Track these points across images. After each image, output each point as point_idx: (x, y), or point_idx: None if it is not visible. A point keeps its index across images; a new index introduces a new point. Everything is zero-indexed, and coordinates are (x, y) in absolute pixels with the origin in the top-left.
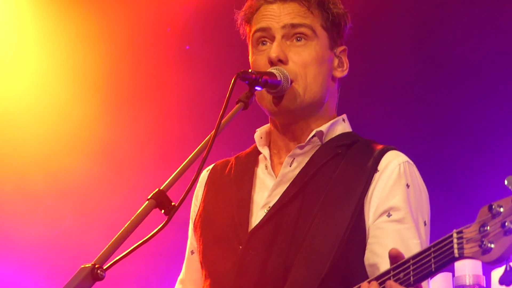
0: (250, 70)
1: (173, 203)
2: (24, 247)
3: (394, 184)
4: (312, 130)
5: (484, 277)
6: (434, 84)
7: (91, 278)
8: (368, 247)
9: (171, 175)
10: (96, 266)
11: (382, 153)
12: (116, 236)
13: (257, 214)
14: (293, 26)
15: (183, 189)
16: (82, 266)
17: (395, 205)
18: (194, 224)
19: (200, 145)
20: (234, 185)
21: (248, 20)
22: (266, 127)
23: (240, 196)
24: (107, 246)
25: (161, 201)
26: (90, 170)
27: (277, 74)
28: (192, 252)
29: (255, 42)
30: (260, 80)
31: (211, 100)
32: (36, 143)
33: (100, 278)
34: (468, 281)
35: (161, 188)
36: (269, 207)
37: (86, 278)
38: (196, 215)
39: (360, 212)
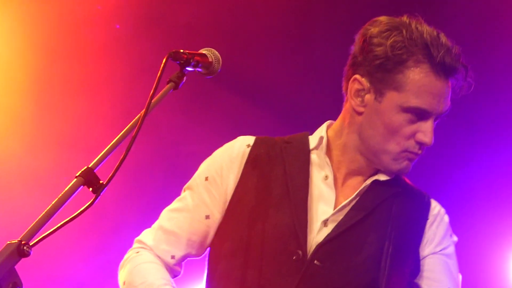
0: (181, 51)
1: (101, 181)
2: None
3: (444, 231)
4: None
5: None
6: None
7: (17, 254)
8: (421, 274)
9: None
10: (23, 242)
11: (428, 201)
12: (43, 213)
13: (316, 225)
14: (445, 112)
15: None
16: (8, 242)
17: (446, 245)
18: (232, 198)
19: (130, 123)
20: (290, 182)
21: (398, 64)
22: (328, 134)
23: (297, 201)
24: (33, 223)
25: (89, 179)
26: (25, 159)
27: (208, 56)
28: (207, 217)
29: (405, 107)
30: (191, 61)
31: (143, 80)
32: None
33: (26, 254)
34: None
35: (89, 166)
36: (327, 219)
37: (12, 254)
38: (235, 191)
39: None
